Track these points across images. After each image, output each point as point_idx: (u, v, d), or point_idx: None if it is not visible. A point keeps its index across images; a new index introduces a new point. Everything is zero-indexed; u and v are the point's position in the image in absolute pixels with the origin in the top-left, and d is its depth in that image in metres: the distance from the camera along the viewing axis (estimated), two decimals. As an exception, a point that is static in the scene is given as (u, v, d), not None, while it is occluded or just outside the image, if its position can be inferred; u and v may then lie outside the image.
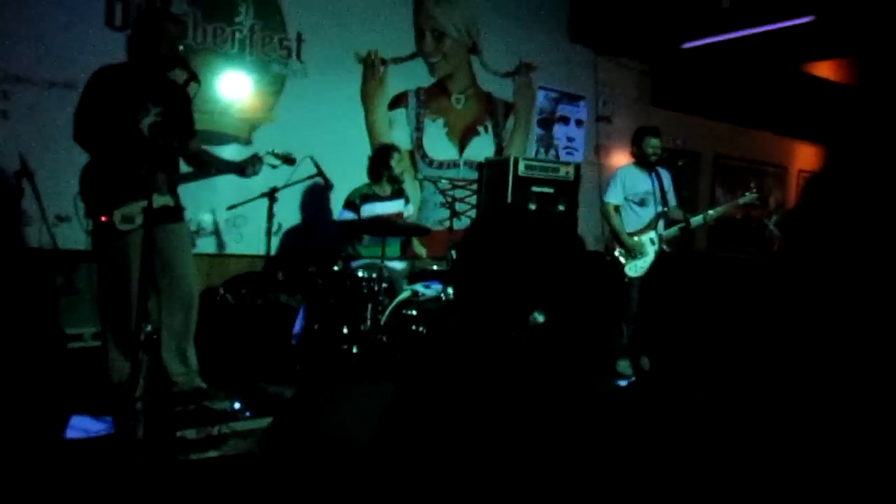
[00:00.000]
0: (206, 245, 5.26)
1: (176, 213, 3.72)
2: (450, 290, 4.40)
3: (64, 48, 4.67)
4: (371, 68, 6.02)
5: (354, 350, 4.22)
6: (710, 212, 5.39)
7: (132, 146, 3.43)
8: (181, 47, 3.58)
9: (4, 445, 3.07)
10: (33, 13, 4.59)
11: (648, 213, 5.33)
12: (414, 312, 4.32)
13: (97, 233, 3.55)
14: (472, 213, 6.58)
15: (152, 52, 3.48)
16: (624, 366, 5.39)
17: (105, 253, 3.55)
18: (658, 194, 5.30)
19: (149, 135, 3.49)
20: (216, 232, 5.35)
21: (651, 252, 5.31)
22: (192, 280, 3.83)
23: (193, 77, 3.37)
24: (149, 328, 4.30)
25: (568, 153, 7.42)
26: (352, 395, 2.74)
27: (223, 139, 5.30)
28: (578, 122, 7.51)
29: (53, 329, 4.47)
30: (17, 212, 4.32)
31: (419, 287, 4.50)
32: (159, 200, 3.51)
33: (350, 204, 4.96)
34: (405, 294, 4.44)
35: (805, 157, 10.38)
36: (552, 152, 7.31)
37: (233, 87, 5.36)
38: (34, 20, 4.60)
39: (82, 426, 3.25)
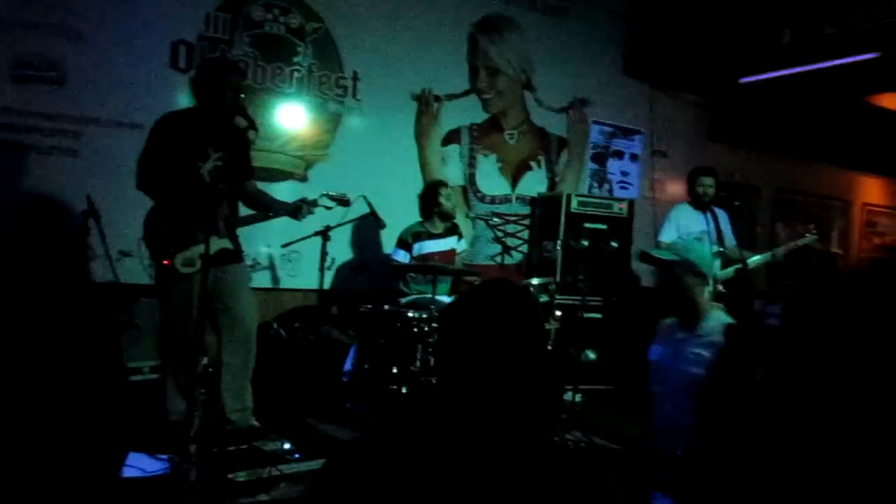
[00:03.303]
0: (261, 279, 5.35)
1: (235, 255, 3.82)
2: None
3: (131, 90, 4.85)
4: (425, 105, 6.09)
5: (404, 390, 4.23)
6: (769, 254, 5.28)
7: (193, 192, 3.53)
8: (242, 95, 3.67)
9: (64, 480, 3.17)
10: (101, 56, 4.78)
11: (704, 253, 5.23)
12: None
13: (160, 276, 3.65)
14: (524, 248, 6.57)
15: (214, 101, 3.59)
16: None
17: (167, 295, 3.66)
18: (714, 234, 5.20)
19: (209, 180, 3.59)
20: (271, 266, 5.45)
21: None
22: (251, 320, 3.91)
23: (252, 126, 3.47)
24: (205, 361, 4.41)
25: (622, 188, 7.35)
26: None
27: (280, 176, 5.43)
28: (633, 157, 7.44)
29: (115, 362, 4.60)
30: (82, 249, 4.48)
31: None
32: (218, 244, 3.61)
33: (403, 243, 5.00)
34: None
35: (869, 190, 10.08)
36: (606, 187, 7.26)
37: (290, 126, 5.49)
38: (102, 63, 4.79)
39: (139, 465, 3.33)
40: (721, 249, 5.22)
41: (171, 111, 3.73)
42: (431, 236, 5.06)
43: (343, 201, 4.18)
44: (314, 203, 3.94)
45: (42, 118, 4.63)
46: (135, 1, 4.87)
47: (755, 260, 5.23)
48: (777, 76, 6.46)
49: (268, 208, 3.93)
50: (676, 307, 3.00)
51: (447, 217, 5.15)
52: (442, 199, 5.06)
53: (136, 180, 3.61)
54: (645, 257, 3.13)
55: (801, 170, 8.98)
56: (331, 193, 4.09)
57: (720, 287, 5.18)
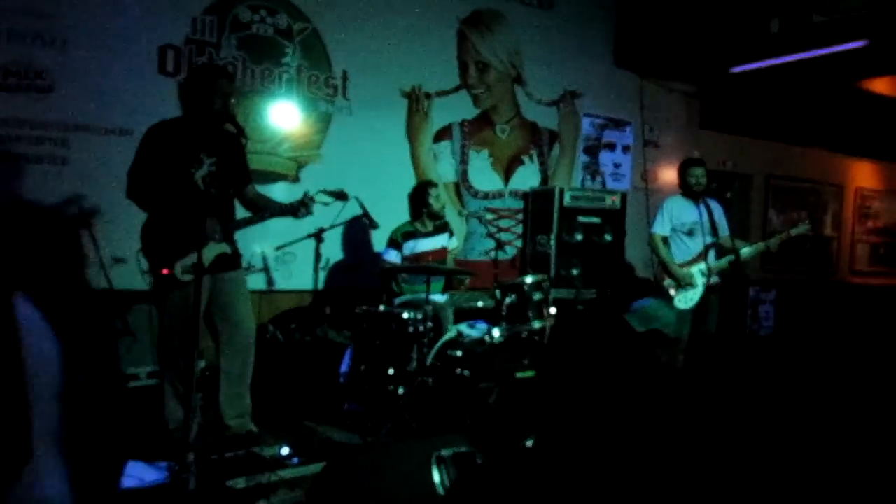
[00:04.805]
0: (256, 281, 5.35)
1: (233, 260, 3.79)
2: (494, 331, 4.39)
3: (119, 96, 4.83)
4: (416, 103, 6.08)
5: (400, 391, 4.24)
6: (762, 244, 5.30)
7: (186, 199, 3.52)
8: (232, 100, 3.65)
9: (68, 488, 3.17)
10: (88, 63, 4.75)
11: (697, 243, 5.25)
12: (459, 353, 4.33)
13: (158, 284, 3.63)
14: (518, 242, 6.58)
15: (205, 107, 3.57)
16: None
17: (166, 302, 3.64)
18: (707, 225, 5.22)
19: (203, 187, 3.58)
20: (265, 269, 5.45)
21: (701, 283, 5.22)
22: (250, 327, 3.90)
23: (241, 133, 3.44)
24: (202, 364, 4.42)
25: (615, 179, 7.36)
26: (398, 453, 2.77)
27: (272, 178, 5.41)
28: (625, 148, 7.44)
29: (113, 370, 4.61)
30: (76, 256, 4.48)
31: (464, 327, 4.51)
32: (215, 249, 3.60)
33: (393, 243, 5.00)
34: (450, 334, 4.45)
35: (862, 174, 10.11)
36: (598, 179, 7.26)
37: (281, 127, 5.47)
38: (89, 69, 4.76)
39: (138, 474, 3.32)
40: (715, 240, 5.25)
41: (161, 120, 3.68)
42: (422, 235, 5.05)
43: (340, 195, 4.14)
44: (312, 200, 3.88)
45: (30, 127, 4.60)
46: (121, 7, 4.83)
47: (749, 251, 5.24)
48: (767, 65, 6.46)
49: (267, 210, 3.90)
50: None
51: (436, 217, 5.13)
52: (431, 200, 5.04)
53: (126, 190, 3.58)
54: None
55: (793, 156, 9.01)
56: (327, 189, 4.07)
57: (714, 278, 5.22)
